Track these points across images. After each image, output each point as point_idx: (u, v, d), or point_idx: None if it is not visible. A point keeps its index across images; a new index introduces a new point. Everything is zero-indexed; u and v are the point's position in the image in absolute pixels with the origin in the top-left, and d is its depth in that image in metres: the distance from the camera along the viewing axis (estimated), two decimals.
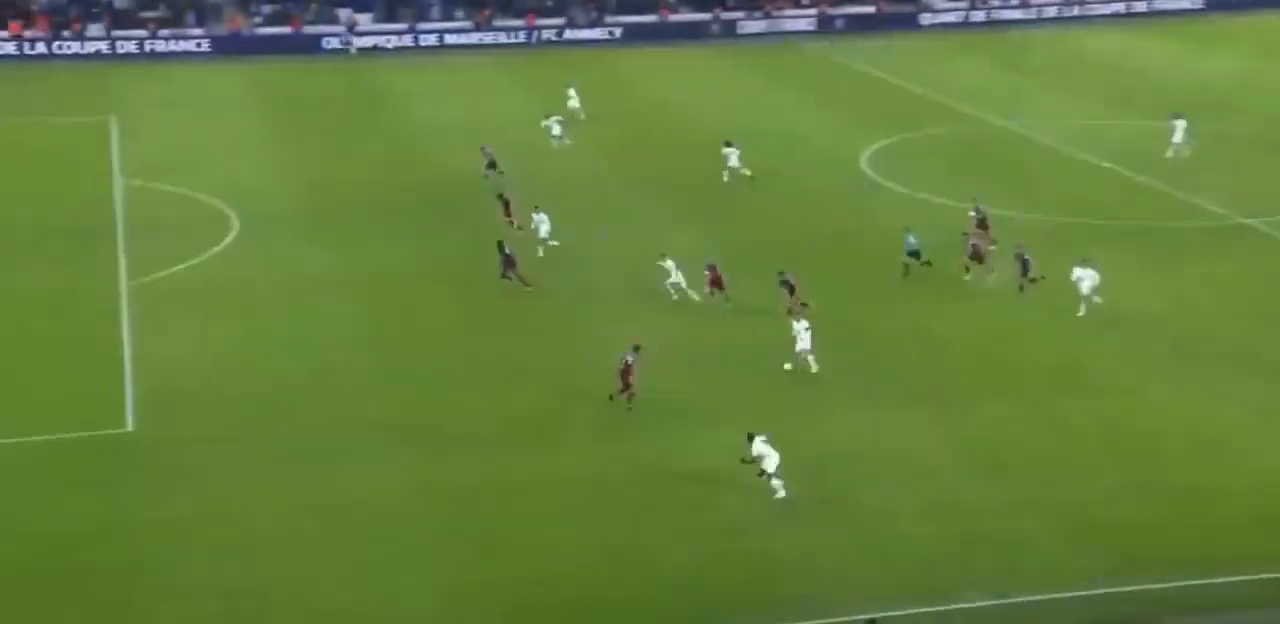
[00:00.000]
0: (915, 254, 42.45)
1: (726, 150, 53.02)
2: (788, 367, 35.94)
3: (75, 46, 77.60)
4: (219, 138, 61.27)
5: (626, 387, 33.70)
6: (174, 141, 60.39)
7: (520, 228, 45.81)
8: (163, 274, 43.88)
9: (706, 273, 40.43)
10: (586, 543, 28.75)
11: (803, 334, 36.07)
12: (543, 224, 45.05)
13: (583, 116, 61.50)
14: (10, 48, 76.88)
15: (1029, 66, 75.55)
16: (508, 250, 42.20)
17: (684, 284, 41.00)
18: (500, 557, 28.27)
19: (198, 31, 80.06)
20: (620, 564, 28.07)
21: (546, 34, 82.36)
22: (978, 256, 41.94)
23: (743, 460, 29.78)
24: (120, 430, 33.57)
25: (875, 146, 58.63)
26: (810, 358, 35.98)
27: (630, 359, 33.84)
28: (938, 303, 40.89)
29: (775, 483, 29.74)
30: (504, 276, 41.92)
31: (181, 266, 44.55)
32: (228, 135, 61.72)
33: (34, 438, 33.12)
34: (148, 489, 30.88)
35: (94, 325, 40.02)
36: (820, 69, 76.50)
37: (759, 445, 29.80)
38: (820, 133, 61.26)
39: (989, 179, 53.89)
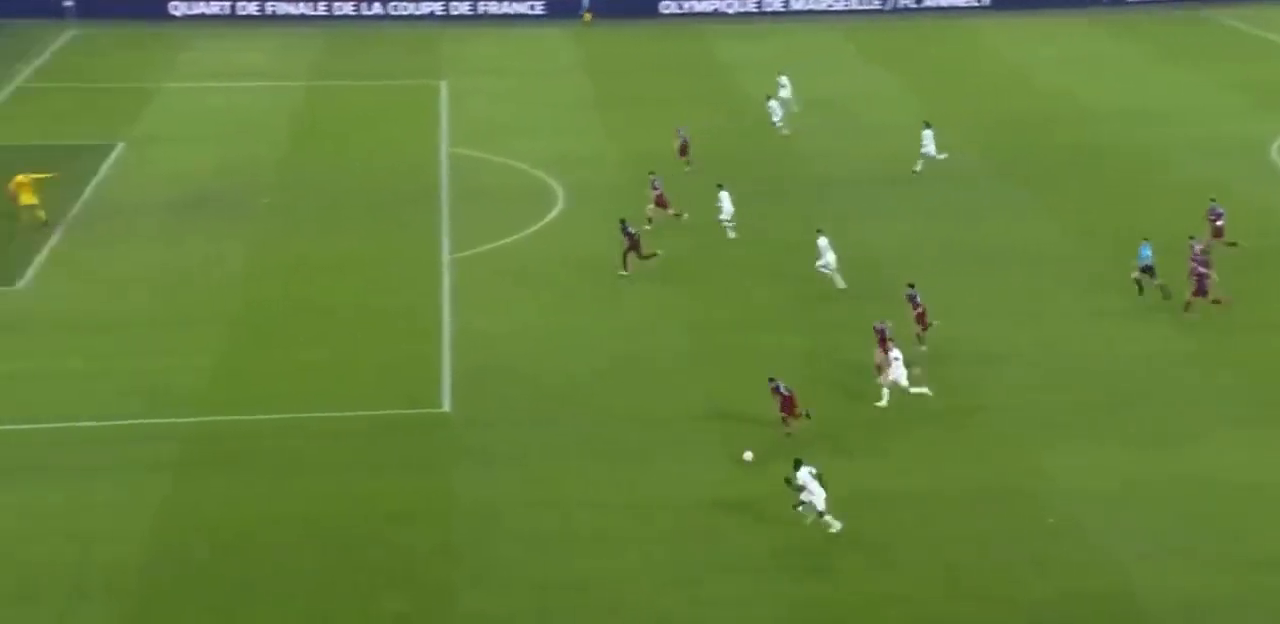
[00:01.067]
0: (1149, 269, 39.79)
1: (925, 132, 51.09)
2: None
3: (410, 7, 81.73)
4: (548, 105, 63.31)
5: (789, 414, 32.88)
6: (503, 108, 62.77)
7: (679, 215, 45.84)
8: (485, 248, 45.77)
9: (878, 333, 35.41)
10: (924, 564, 28.42)
11: (894, 363, 33.92)
12: (725, 203, 45.12)
13: (796, 108, 57.92)
14: (348, 8, 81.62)
15: None
16: (631, 229, 42.43)
17: (834, 266, 40.15)
18: (827, 572, 28.27)
19: None
20: (962, 591, 27.64)
21: (904, 0, 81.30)
22: (1206, 266, 38.95)
23: (786, 481, 29.13)
24: (437, 410, 35.26)
25: None
26: (886, 391, 34.00)
27: (776, 386, 32.83)
28: None
29: (827, 519, 28.86)
30: (624, 259, 41.98)
31: (505, 241, 46.35)
32: (557, 103, 63.70)
33: (352, 413, 35.16)
34: (460, 472, 32.37)
35: (414, 298, 42.09)
36: (1231, 42, 72.75)
37: (804, 475, 28.92)
38: (1220, 115, 58.50)
39: None
